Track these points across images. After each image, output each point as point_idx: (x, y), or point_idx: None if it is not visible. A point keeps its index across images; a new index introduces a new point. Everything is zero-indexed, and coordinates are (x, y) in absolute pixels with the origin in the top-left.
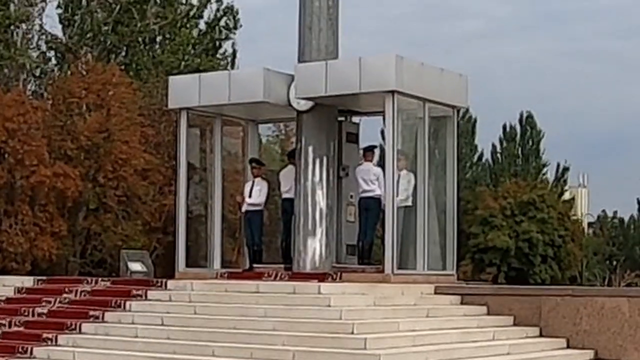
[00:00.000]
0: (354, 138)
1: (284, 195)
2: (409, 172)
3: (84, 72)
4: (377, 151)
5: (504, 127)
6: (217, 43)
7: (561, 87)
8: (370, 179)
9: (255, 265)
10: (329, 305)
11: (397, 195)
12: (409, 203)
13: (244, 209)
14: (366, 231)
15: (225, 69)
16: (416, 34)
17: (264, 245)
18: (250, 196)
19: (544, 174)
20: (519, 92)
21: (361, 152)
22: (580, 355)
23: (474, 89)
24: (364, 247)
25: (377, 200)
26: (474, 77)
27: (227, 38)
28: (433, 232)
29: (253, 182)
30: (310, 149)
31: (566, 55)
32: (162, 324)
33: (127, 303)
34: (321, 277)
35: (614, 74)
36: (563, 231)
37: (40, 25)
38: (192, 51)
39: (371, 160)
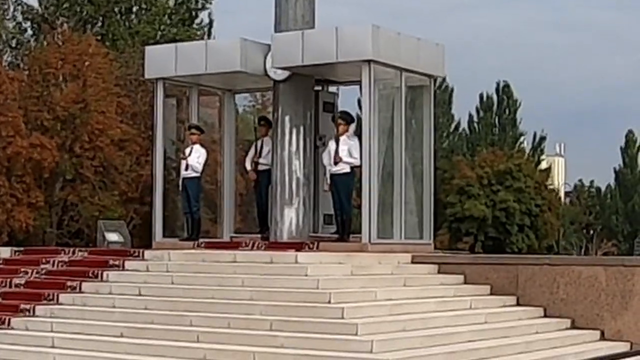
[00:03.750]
0: (330, 107)
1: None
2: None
3: (60, 43)
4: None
5: (481, 97)
6: (194, 13)
7: (539, 57)
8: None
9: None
10: (306, 275)
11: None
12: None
13: (181, 176)
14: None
15: (202, 39)
16: (397, 5)
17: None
18: (187, 162)
19: (520, 144)
20: (497, 62)
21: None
22: (557, 324)
23: (452, 59)
24: (344, 222)
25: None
26: (452, 47)
27: (203, 8)
28: (410, 202)
29: (191, 148)
30: (287, 118)
31: (546, 25)
32: (140, 294)
33: (105, 273)
34: (298, 247)
35: (593, 44)
36: (540, 200)
37: None
38: (169, 21)
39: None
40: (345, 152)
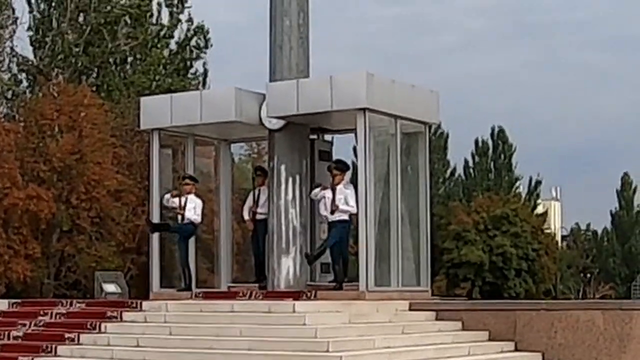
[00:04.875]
0: (326, 156)
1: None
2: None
3: (56, 94)
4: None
5: (476, 142)
6: (188, 63)
7: (533, 100)
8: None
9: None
10: (304, 324)
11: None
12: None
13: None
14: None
15: (197, 88)
16: (391, 50)
17: (237, 264)
18: (182, 212)
19: (516, 188)
20: (491, 106)
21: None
22: None
23: (446, 104)
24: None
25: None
26: (447, 92)
27: (198, 57)
28: (407, 248)
29: (186, 198)
30: (283, 167)
31: (538, 68)
32: (138, 345)
33: (103, 325)
34: (296, 296)
35: (585, 86)
36: (537, 245)
37: (11, 48)
38: (163, 71)
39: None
40: (342, 200)
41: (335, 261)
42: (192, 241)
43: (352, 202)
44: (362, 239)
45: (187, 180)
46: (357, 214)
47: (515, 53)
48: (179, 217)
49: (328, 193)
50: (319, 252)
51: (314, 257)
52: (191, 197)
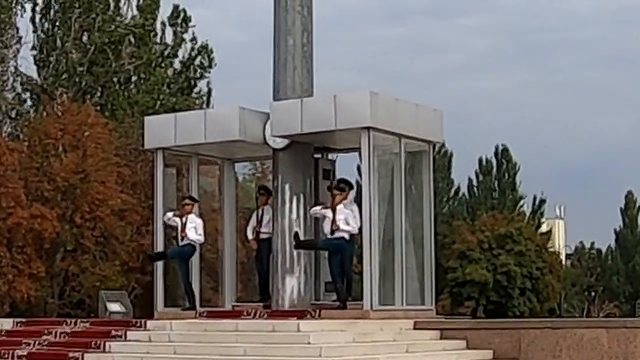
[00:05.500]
0: (330, 175)
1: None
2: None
3: (60, 113)
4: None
5: (480, 161)
6: (192, 82)
7: (537, 119)
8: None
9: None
10: (309, 343)
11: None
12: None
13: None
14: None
15: (201, 107)
16: (394, 70)
17: (241, 283)
18: (183, 232)
19: (520, 207)
20: (495, 125)
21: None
22: None
23: (450, 123)
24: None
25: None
26: (451, 111)
27: (202, 77)
28: (411, 267)
29: (186, 218)
30: (287, 186)
31: (542, 87)
32: None
33: (107, 344)
34: (300, 315)
35: (589, 105)
36: (541, 263)
37: (15, 67)
38: (167, 90)
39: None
40: (342, 221)
41: (335, 280)
42: (196, 260)
43: (353, 222)
44: (367, 258)
45: (187, 201)
46: (358, 234)
47: (519, 72)
48: (180, 237)
49: (329, 213)
50: (308, 243)
51: (302, 242)
52: (191, 217)
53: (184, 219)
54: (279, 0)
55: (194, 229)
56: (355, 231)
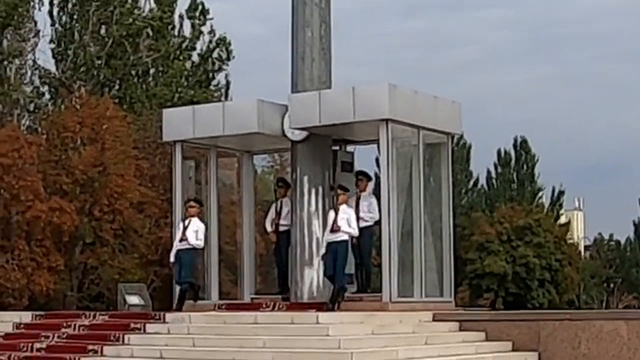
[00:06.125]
0: (348, 167)
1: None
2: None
3: (78, 106)
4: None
5: (499, 153)
6: (211, 75)
7: (556, 112)
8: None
9: (192, 302)
10: (328, 335)
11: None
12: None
13: (175, 248)
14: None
15: (219, 100)
16: (413, 63)
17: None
18: (184, 235)
19: (539, 199)
20: (514, 117)
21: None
22: None
23: (469, 115)
24: (365, 278)
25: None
26: (469, 104)
27: (220, 69)
28: (430, 259)
29: (189, 221)
30: (305, 178)
31: (560, 80)
32: (161, 357)
33: (126, 336)
34: (319, 307)
35: (608, 98)
36: (560, 255)
37: (34, 60)
38: (186, 83)
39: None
40: (344, 221)
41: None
42: (215, 253)
43: (354, 224)
44: (385, 250)
45: (192, 203)
46: (376, 226)
47: (537, 65)
48: (179, 240)
49: (331, 213)
50: (335, 295)
51: (334, 302)
52: (194, 220)
53: (186, 222)
54: None
55: (195, 233)
56: (356, 233)
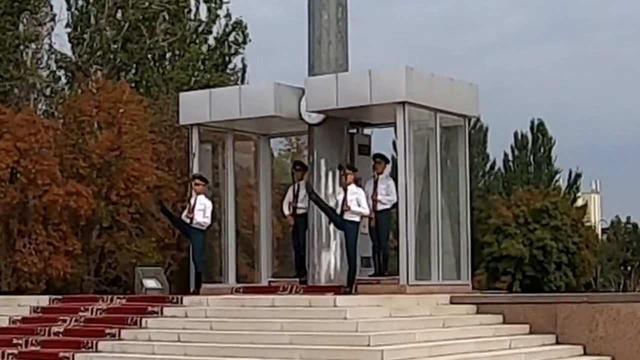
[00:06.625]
0: (365, 150)
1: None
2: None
3: (94, 91)
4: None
5: (515, 135)
6: (227, 58)
7: (573, 94)
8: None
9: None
10: (345, 318)
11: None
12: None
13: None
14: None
15: (236, 84)
16: (431, 46)
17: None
18: (190, 213)
19: (556, 181)
20: (531, 100)
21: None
22: None
23: (486, 98)
24: (382, 261)
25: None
26: (486, 86)
27: (236, 53)
28: (447, 242)
29: (195, 199)
30: (322, 161)
31: (578, 63)
32: (179, 341)
33: (143, 320)
34: (336, 290)
35: (626, 80)
36: (577, 238)
37: (50, 45)
38: (202, 67)
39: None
40: (353, 202)
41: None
42: (232, 236)
43: (364, 203)
44: (403, 233)
45: (198, 181)
46: (394, 209)
47: (556, 48)
48: (188, 219)
49: (340, 193)
50: (322, 203)
51: (317, 196)
52: (201, 198)
53: (192, 200)
54: None
55: (202, 212)
56: (367, 212)
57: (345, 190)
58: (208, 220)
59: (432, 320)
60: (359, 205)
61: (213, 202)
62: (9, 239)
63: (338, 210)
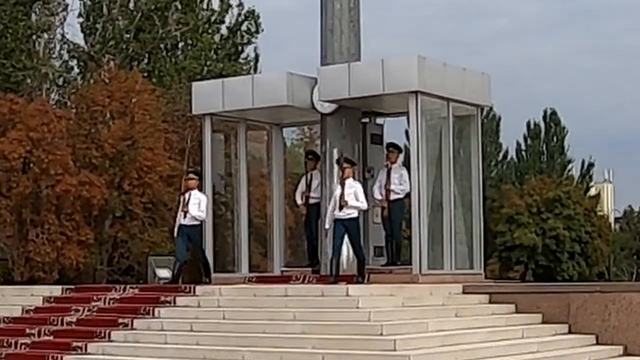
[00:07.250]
0: (378, 139)
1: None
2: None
3: (107, 80)
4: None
5: (528, 125)
6: (239, 48)
7: (586, 84)
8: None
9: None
10: (358, 307)
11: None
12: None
13: (179, 223)
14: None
15: (248, 73)
16: (443, 35)
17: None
18: (185, 208)
19: (569, 171)
20: (544, 89)
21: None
22: (610, 351)
23: (498, 87)
24: (395, 250)
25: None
26: (499, 76)
27: (249, 42)
28: (460, 232)
29: (189, 194)
30: (335, 151)
31: (591, 53)
32: (192, 330)
33: (156, 310)
34: (349, 279)
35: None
36: (589, 227)
37: (62, 35)
38: (215, 56)
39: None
40: (351, 196)
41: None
42: (244, 226)
43: (362, 197)
44: (415, 222)
45: (192, 175)
46: (407, 198)
47: (569, 38)
48: (183, 214)
49: (338, 188)
50: (360, 269)
51: (362, 274)
52: (195, 192)
53: (187, 195)
54: None
55: (196, 206)
56: (365, 207)
57: (343, 185)
58: (203, 214)
59: (445, 309)
60: (357, 200)
61: (225, 192)
62: (22, 228)
63: (336, 205)
